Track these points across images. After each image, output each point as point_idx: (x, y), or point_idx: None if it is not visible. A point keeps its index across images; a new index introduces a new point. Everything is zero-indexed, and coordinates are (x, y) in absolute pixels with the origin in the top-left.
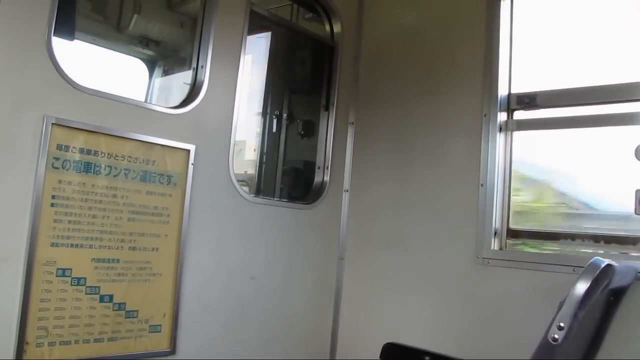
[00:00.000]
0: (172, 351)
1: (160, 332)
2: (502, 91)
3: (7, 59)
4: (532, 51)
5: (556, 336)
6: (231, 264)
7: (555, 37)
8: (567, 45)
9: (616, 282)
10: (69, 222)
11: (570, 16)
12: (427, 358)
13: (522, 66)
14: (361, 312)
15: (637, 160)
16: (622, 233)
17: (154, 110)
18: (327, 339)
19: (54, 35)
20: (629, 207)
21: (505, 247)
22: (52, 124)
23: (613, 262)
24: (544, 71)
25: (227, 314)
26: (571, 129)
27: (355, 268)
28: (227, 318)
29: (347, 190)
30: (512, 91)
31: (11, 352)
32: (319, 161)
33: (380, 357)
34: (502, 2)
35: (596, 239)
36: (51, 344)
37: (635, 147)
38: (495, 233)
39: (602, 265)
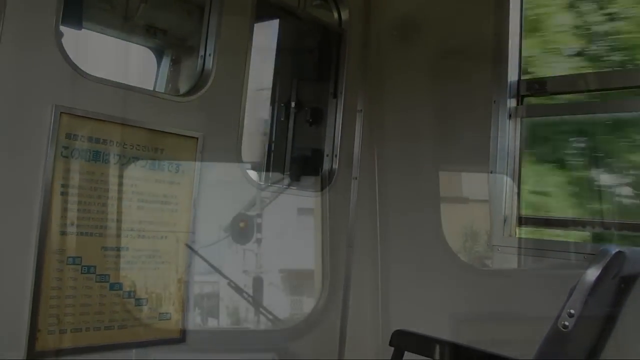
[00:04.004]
0: (182, 339)
1: (169, 319)
2: (512, 77)
3: (16, 48)
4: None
5: (566, 323)
6: (240, 252)
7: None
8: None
9: (627, 269)
10: (79, 210)
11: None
12: (436, 345)
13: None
14: (370, 299)
15: None
16: (633, 220)
17: (162, 99)
18: (337, 326)
19: (61, 24)
20: None
21: (516, 234)
22: (61, 112)
23: (624, 250)
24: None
25: (236, 302)
26: (582, 115)
27: (365, 255)
28: (235, 306)
29: (356, 178)
30: (522, 77)
31: (23, 339)
32: (328, 149)
33: (390, 344)
34: None
35: (607, 226)
36: (62, 331)
37: None
38: (505, 220)
39: (613, 253)
